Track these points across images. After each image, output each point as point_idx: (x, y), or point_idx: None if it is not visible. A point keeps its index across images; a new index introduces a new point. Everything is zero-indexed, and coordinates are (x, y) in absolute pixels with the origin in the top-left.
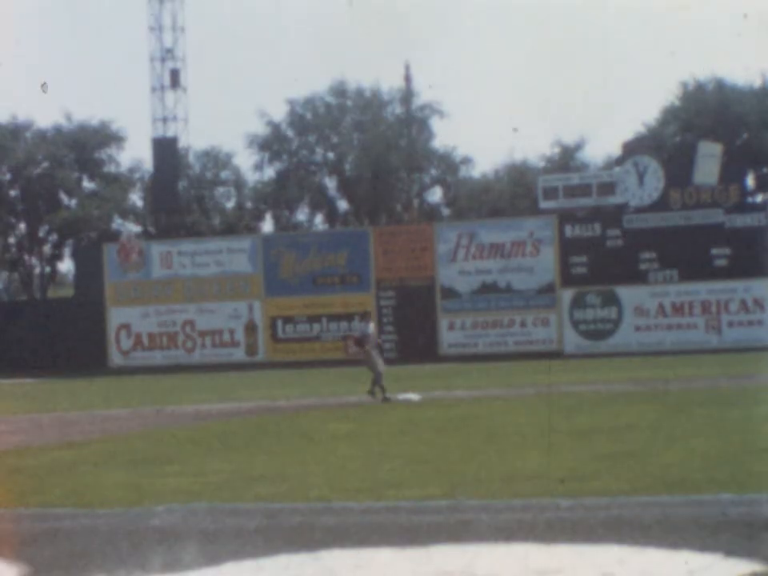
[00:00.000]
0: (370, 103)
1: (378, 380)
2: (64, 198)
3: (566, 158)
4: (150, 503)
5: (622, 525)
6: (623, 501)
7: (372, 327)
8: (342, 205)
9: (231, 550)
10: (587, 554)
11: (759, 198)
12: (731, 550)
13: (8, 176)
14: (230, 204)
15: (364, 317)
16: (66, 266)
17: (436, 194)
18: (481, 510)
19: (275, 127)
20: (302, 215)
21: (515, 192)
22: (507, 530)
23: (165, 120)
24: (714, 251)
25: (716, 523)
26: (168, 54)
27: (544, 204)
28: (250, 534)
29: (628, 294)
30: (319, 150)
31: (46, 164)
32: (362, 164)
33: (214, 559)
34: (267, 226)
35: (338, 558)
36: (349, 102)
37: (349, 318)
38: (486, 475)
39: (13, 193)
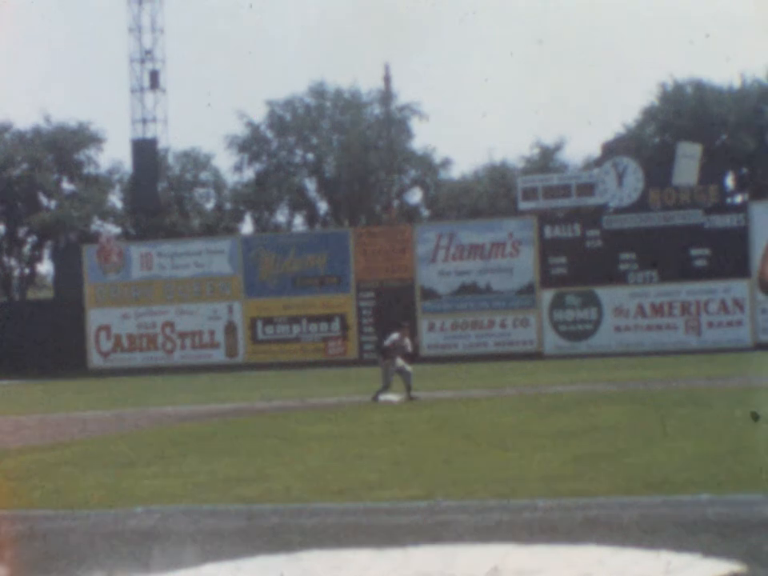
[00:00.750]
0: (349, 104)
1: (383, 387)
2: (43, 199)
3: (546, 159)
4: (130, 505)
5: (601, 525)
6: (602, 501)
7: (406, 341)
8: (322, 206)
9: (210, 551)
10: (566, 554)
11: (738, 199)
12: (710, 550)
13: None
14: (210, 205)
15: (401, 328)
16: (45, 267)
17: (416, 195)
18: (459, 510)
19: (255, 128)
20: (281, 216)
21: (495, 193)
22: (486, 530)
23: (144, 121)
24: (694, 252)
25: (695, 523)
26: (147, 55)
27: (523, 205)
28: (228, 536)
29: (608, 294)
30: (299, 152)
31: (25, 165)
32: (341, 165)
33: (192, 561)
34: (247, 227)
35: (316, 559)
36: (328, 104)
37: (329, 319)
38: (466, 476)
39: None
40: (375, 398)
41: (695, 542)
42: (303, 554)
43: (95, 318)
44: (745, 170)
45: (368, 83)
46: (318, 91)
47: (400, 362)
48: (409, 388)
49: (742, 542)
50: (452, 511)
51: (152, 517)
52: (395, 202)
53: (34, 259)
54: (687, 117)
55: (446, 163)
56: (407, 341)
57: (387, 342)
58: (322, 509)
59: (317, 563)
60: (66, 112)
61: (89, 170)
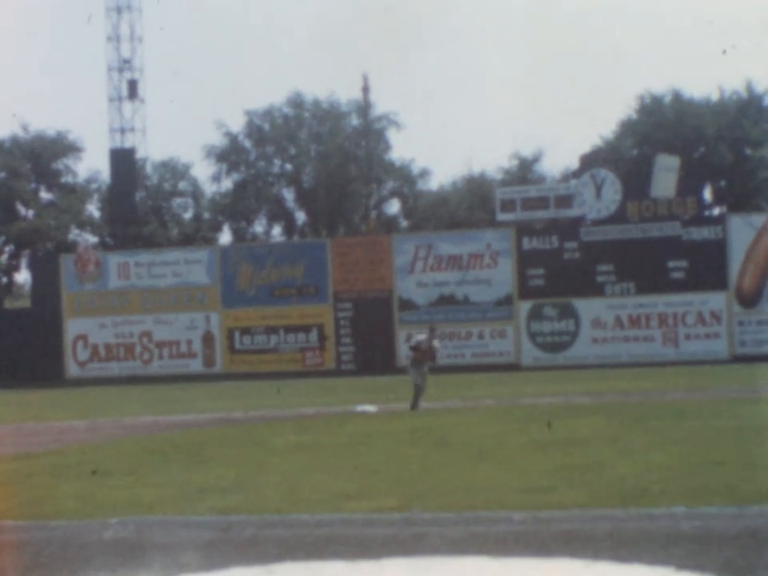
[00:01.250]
0: (327, 114)
1: (418, 394)
2: (21, 208)
3: (524, 171)
4: (106, 515)
5: (575, 538)
6: (576, 514)
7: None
8: (300, 216)
9: (183, 563)
10: (539, 567)
11: (716, 211)
12: (684, 564)
13: None
14: (188, 215)
15: (431, 331)
16: (22, 276)
17: (394, 206)
18: (434, 522)
19: (233, 138)
20: (259, 226)
21: (473, 204)
22: (460, 542)
23: (122, 131)
24: (672, 264)
25: (669, 537)
26: (126, 64)
27: (501, 216)
28: (202, 547)
29: (585, 306)
30: (277, 162)
31: (2, 174)
32: (319, 175)
33: (165, 572)
34: (225, 237)
35: (290, 571)
36: (306, 114)
37: (306, 329)
38: (443, 487)
39: None
40: (414, 407)
41: (669, 556)
42: (276, 567)
43: (72, 327)
44: (723, 183)
45: (346, 93)
46: (297, 101)
47: (425, 369)
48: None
49: (717, 555)
50: (427, 523)
51: (127, 528)
52: (373, 213)
53: (12, 268)
54: (665, 129)
55: (424, 174)
56: (435, 343)
57: (413, 342)
58: (297, 520)
59: (290, 575)
60: (44, 121)
61: (67, 179)
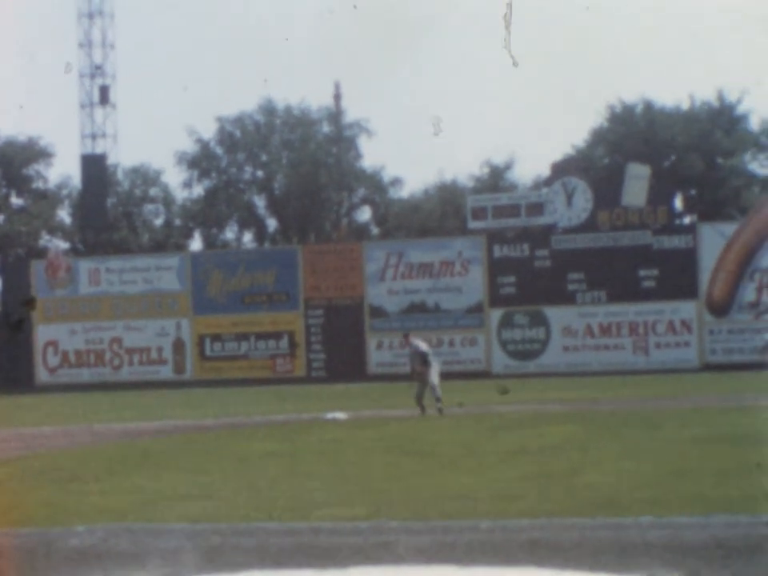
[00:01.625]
0: (298, 122)
1: (434, 392)
2: None
3: (495, 178)
4: (75, 522)
5: (542, 547)
6: (543, 523)
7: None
8: (271, 223)
9: (149, 571)
10: None
11: (687, 220)
12: (650, 574)
13: None
14: (159, 221)
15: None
16: None
17: (365, 213)
18: (401, 531)
19: (204, 145)
20: (230, 233)
21: (444, 211)
22: (427, 551)
23: (94, 136)
24: (642, 273)
25: (636, 546)
26: (97, 70)
27: (473, 224)
28: (168, 555)
29: (556, 314)
30: (248, 168)
31: None
32: (290, 182)
33: None
34: (196, 243)
35: None
36: (278, 121)
37: (277, 336)
38: (414, 495)
39: None
40: (440, 411)
41: (636, 565)
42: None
43: (43, 333)
44: (693, 192)
45: (318, 101)
46: (268, 108)
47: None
48: (419, 398)
49: (683, 565)
50: (394, 532)
51: (94, 536)
52: (344, 220)
53: None
54: (636, 138)
55: (395, 182)
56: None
57: (424, 348)
58: (264, 528)
59: None
60: (15, 127)
61: (37, 184)
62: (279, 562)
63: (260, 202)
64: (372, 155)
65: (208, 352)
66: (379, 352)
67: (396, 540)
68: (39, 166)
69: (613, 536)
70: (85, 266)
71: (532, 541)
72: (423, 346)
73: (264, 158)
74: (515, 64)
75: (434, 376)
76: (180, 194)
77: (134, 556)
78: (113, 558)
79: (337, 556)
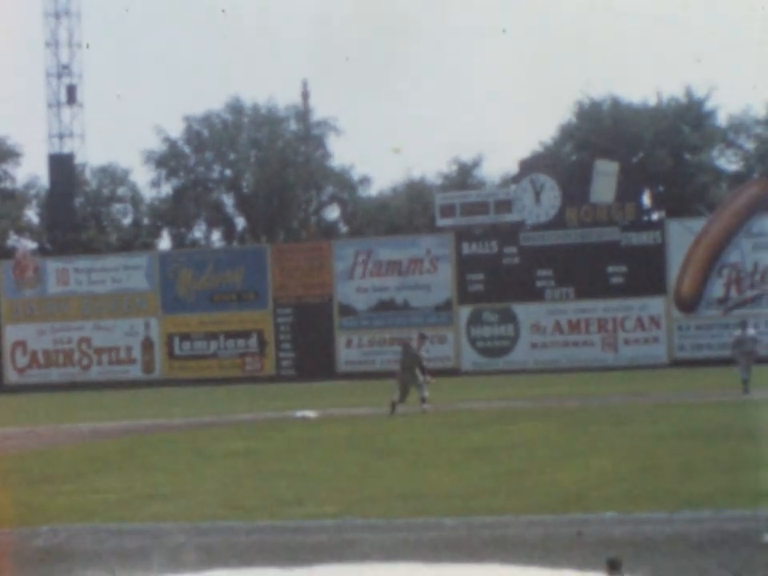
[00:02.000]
0: (266, 120)
1: (421, 391)
2: None
3: (463, 176)
4: (45, 522)
5: (507, 544)
6: (508, 520)
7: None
8: (240, 222)
9: (115, 570)
10: (471, 573)
11: (655, 217)
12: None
13: None
14: (127, 221)
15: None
16: None
17: (334, 212)
18: (366, 529)
19: (172, 144)
20: (198, 232)
21: (412, 209)
22: (392, 549)
23: (61, 136)
24: (611, 269)
25: (599, 542)
26: (64, 69)
27: (441, 221)
28: (132, 555)
29: (525, 311)
30: (216, 167)
31: None
32: (259, 181)
33: None
34: (164, 242)
35: None
36: (245, 119)
37: (246, 335)
38: (383, 493)
39: None
40: (424, 411)
41: (599, 561)
42: (207, 574)
43: (11, 333)
44: (661, 188)
45: (286, 99)
46: (235, 107)
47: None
48: (396, 402)
49: (646, 560)
50: (359, 530)
51: (58, 536)
52: (313, 219)
53: None
54: (604, 134)
55: (364, 180)
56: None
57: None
58: (229, 527)
59: None
60: None
61: (5, 184)
62: (244, 560)
63: (228, 201)
64: (341, 154)
65: (177, 351)
66: (348, 350)
67: (361, 538)
68: (7, 166)
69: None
70: (53, 265)
71: (496, 538)
72: (421, 351)
73: (232, 156)
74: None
75: (420, 376)
76: (148, 194)
77: (97, 555)
78: (76, 557)
79: (302, 554)
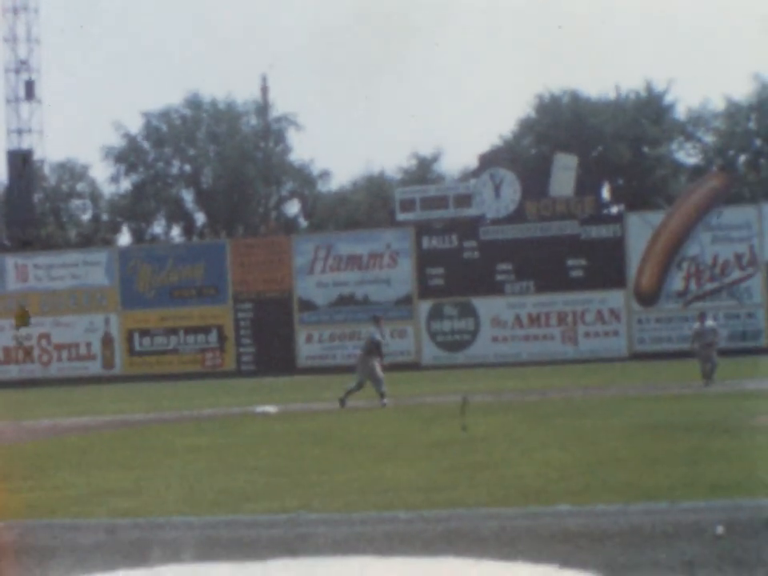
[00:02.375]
0: (224, 115)
1: (379, 387)
2: None
3: (423, 170)
4: (2, 519)
5: (461, 537)
6: (462, 513)
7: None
8: (199, 217)
9: (66, 566)
10: (423, 567)
11: (614, 210)
12: (566, 562)
13: None
14: (86, 216)
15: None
16: None
17: (293, 207)
18: (320, 523)
19: (131, 139)
20: (158, 228)
21: (372, 204)
22: (345, 543)
23: (19, 132)
24: (570, 262)
25: (553, 535)
26: (23, 65)
27: (401, 216)
28: (87, 551)
29: (485, 305)
30: (176, 163)
31: None
32: (218, 176)
33: None
34: (124, 238)
35: (175, 573)
36: (204, 114)
37: (206, 330)
38: (344, 487)
39: None
40: (384, 405)
41: (553, 554)
42: (162, 569)
43: None
44: (621, 181)
45: (244, 94)
46: (194, 102)
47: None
48: (350, 392)
49: (599, 552)
50: (313, 524)
51: (11, 531)
52: (273, 214)
53: None
54: (563, 128)
55: (324, 175)
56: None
57: (378, 337)
58: (184, 522)
59: None
60: None
61: None
62: (198, 556)
63: (188, 196)
64: (300, 148)
65: (137, 347)
66: (309, 345)
67: (314, 532)
68: None
69: (530, 525)
70: (11, 261)
71: (450, 531)
72: (378, 335)
73: (191, 152)
74: None
75: (379, 370)
76: (107, 189)
77: (51, 552)
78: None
79: (256, 549)
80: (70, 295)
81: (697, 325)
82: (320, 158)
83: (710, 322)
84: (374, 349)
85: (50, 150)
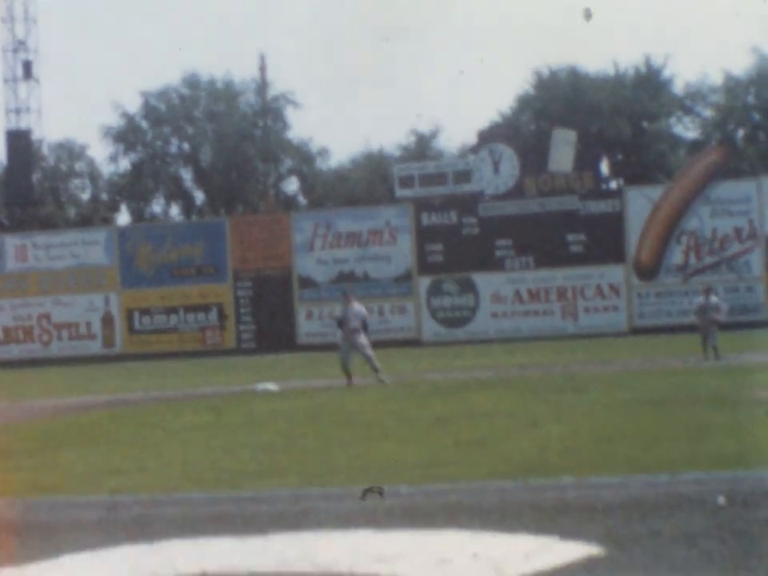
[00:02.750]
0: (223, 94)
1: (372, 363)
2: None
3: (422, 147)
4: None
5: (462, 511)
6: (463, 486)
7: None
8: (198, 196)
9: (70, 542)
10: (425, 539)
11: (614, 185)
12: (567, 534)
13: None
14: (85, 196)
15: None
16: None
17: (292, 184)
18: (322, 498)
19: (130, 119)
20: (157, 206)
21: (371, 181)
22: (347, 517)
23: (18, 112)
24: (570, 238)
25: (554, 507)
26: (20, 45)
27: (400, 192)
28: (90, 527)
29: (485, 281)
30: (174, 141)
31: None
32: (217, 155)
33: (51, 552)
34: (123, 217)
35: (177, 548)
36: (202, 93)
37: (206, 308)
38: (346, 464)
39: None
40: (381, 381)
41: (554, 526)
42: (164, 544)
43: None
44: (620, 156)
45: (243, 73)
46: (192, 81)
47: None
48: (346, 365)
49: (600, 524)
50: (314, 499)
51: (13, 509)
52: (272, 192)
53: None
54: (562, 103)
55: (322, 153)
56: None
57: (365, 313)
58: (185, 499)
59: (177, 552)
60: None
61: None
62: (200, 531)
63: (187, 175)
64: (299, 126)
65: (137, 326)
66: (309, 322)
67: (316, 507)
68: None
69: (533, 498)
70: (11, 242)
71: (451, 504)
72: (364, 310)
73: (190, 130)
74: None
75: (368, 348)
76: (106, 169)
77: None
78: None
79: (257, 524)
80: (70, 274)
81: (701, 299)
82: (319, 135)
83: (713, 298)
84: (362, 324)
85: (48, 130)
